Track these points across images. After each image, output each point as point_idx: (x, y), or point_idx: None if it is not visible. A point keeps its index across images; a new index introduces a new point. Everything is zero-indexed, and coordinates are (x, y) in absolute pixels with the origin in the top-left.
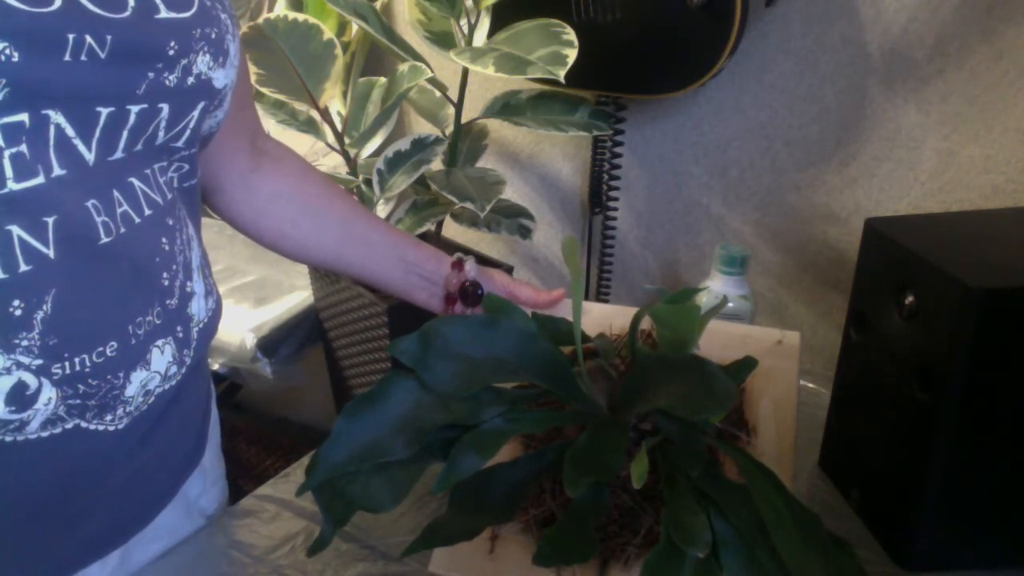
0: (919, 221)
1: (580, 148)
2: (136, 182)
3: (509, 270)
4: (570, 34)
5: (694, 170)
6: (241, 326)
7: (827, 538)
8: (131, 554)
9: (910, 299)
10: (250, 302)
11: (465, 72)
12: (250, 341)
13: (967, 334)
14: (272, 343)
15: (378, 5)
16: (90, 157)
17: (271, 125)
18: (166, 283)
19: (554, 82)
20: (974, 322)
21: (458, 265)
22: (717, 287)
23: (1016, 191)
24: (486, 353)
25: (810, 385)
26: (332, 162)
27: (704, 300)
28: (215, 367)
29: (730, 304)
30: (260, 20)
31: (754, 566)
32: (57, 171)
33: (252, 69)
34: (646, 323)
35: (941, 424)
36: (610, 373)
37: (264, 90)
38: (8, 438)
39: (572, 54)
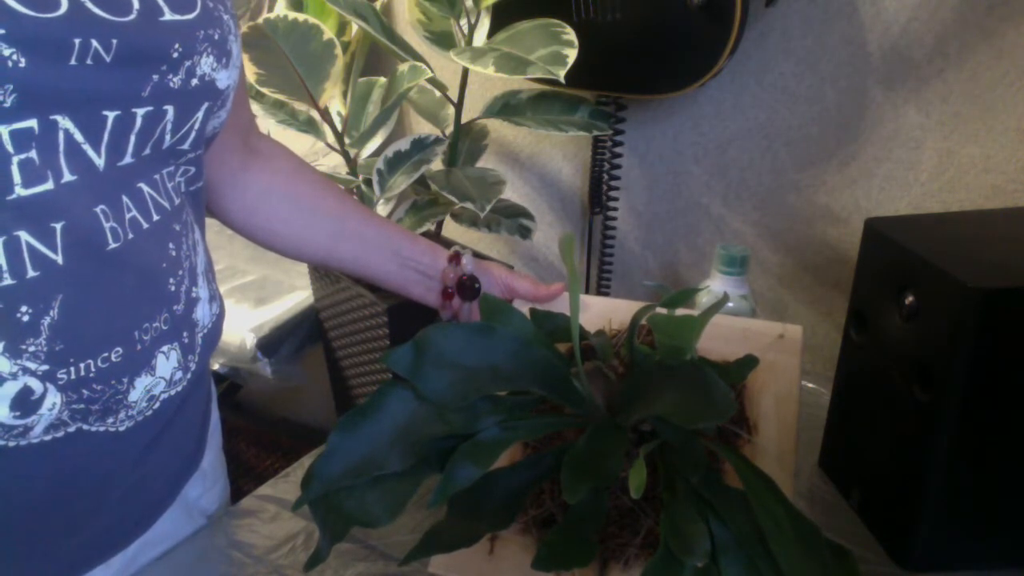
0: (919, 221)
1: (580, 148)
2: (145, 187)
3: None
4: (570, 34)
5: (694, 170)
6: (241, 326)
7: (826, 547)
8: (134, 558)
9: (910, 299)
10: (250, 302)
11: (465, 72)
12: (250, 341)
13: (967, 334)
14: (272, 343)
15: (378, 5)
16: (100, 162)
17: (271, 125)
18: (172, 289)
19: (554, 82)
20: (974, 322)
21: (455, 259)
22: (717, 287)
23: (1016, 191)
24: (482, 361)
25: (810, 385)
26: (332, 162)
27: (704, 300)
28: (215, 367)
29: (730, 304)
30: (260, 20)
31: (753, 573)
32: (67, 177)
33: (252, 69)
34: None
35: (941, 424)
36: (608, 375)
37: (264, 90)
38: (11, 443)
39: (572, 54)
